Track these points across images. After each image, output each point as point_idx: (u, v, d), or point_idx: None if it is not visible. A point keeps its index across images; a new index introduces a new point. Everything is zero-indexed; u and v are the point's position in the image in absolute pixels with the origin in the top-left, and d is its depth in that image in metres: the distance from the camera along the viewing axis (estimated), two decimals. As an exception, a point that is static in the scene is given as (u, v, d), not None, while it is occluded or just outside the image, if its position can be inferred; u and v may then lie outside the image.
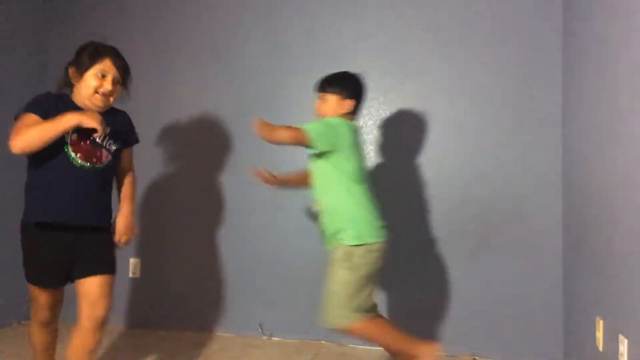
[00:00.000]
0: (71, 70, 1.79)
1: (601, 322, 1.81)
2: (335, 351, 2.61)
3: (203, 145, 2.91)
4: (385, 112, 2.70)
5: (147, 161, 2.94)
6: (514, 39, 2.54)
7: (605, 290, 1.79)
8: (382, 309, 2.63)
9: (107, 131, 1.75)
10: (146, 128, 2.94)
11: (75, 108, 1.74)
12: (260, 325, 2.78)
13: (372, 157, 2.70)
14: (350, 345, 2.65)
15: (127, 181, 1.97)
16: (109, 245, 1.87)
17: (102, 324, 1.78)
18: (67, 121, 1.64)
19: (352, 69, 2.72)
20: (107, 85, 1.77)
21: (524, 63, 2.53)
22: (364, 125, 2.72)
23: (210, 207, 2.88)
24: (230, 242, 2.85)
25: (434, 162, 2.62)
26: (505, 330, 2.49)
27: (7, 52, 2.87)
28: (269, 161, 2.80)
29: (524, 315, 2.47)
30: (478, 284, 2.54)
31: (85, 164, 1.75)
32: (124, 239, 1.89)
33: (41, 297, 1.82)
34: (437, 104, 2.64)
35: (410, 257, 2.62)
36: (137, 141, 1.99)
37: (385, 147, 2.70)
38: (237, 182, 2.84)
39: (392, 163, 2.69)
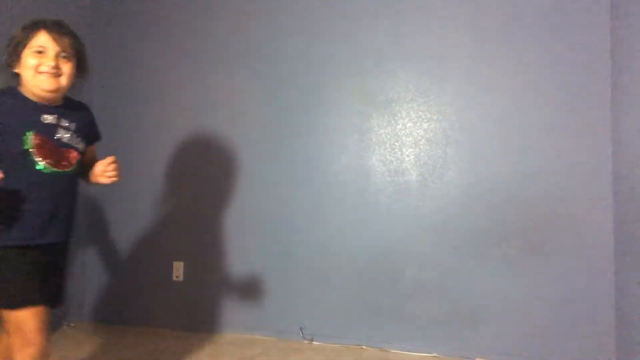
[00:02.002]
0: (9, 59, 1.52)
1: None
2: (377, 356, 2.58)
3: (243, 149, 2.94)
4: (424, 113, 2.67)
5: (190, 164, 3.01)
6: (558, 35, 2.46)
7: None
8: (430, 313, 2.59)
9: (71, 127, 1.58)
10: (186, 133, 3.01)
11: (25, 101, 1.51)
12: (300, 329, 2.78)
13: (412, 159, 2.67)
14: (393, 351, 2.62)
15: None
16: (65, 268, 1.69)
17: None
18: None
19: (389, 71, 2.73)
20: (49, 61, 1.49)
21: (569, 60, 2.44)
22: (404, 128, 2.69)
23: (251, 210, 2.91)
24: (271, 244, 2.87)
25: (476, 162, 2.56)
26: (555, 333, 2.40)
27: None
28: (309, 163, 2.81)
29: (574, 318, 2.38)
30: (525, 287, 2.46)
31: (55, 171, 1.53)
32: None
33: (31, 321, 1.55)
34: (477, 104, 2.58)
35: (454, 260, 2.57)
36: (99, 138, 1.77)
37: (425, 149, 2.66)
38: (276, 184, 2.86)
39: (432, 165, 2.64)
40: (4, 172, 1.39)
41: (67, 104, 1.61)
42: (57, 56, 1.50)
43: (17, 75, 1.52)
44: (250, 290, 2.90)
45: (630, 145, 2.10)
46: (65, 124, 1.58)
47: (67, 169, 1.56)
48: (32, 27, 1.49)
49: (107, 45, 3.20)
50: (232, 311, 2.92)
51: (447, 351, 2.55)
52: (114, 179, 1.66)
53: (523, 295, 2.46)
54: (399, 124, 2.71)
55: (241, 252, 2.92)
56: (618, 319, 2.27)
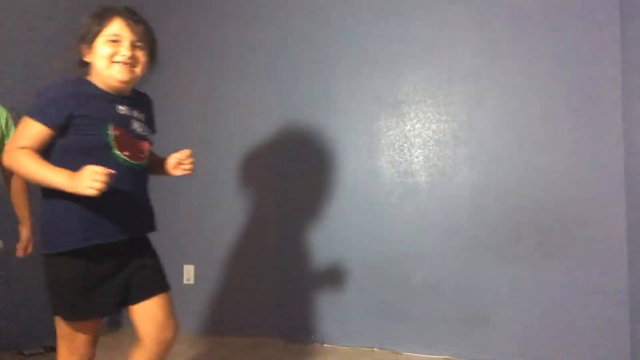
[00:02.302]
0: (80, 47, 1.44)
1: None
2: (388, 358, 2.57)
3: (253, 153, 2.95)
4: (433, 114, 2.65)
5: (200, 168, 3.02)
6: (567, 35, 2.43)
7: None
8: (441, 314, 2.58)
9: (141, 117, 1.52)
10: (196, 136, 3.03)
11: (100, 92, 1.43)
12: (312, 335, 2.78)
13: (421, 160, 2.66)
14: (404, 353, 2.61)
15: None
16: (157, 257, 1.62)
17: (171, 345, 1.57)
18: (56, 182, 1.31)
19: (398, 72, 2.72)
20: (124, 50, 1.41)
21: (580, 62, 2.41)
22: (412, 129, 2.68)
23: (263, 213, 2.91)
24: (282, 247, 2.88)
25: (486, 163, 2.54)
26: (567, 335, 2.38)
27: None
28: (318, 165, 2.81)
29: (587, 320, 2.35)
30: (537, 288, 2.44)
31: (135, 164, 1.47)
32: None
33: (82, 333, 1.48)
34: (487, 105, 2.56)
35: (465, 261, 2.56)
36: (155, 131, 1.68)
37: (434, 150, 2.64)
38: (286, 187, 2.87)
39: (442, 166, 2.63)
40: (76, 167, 1.31)
41: (134, 95, 1.54)
42: (132, 45, 1.42)
43: (86, 65, 1.45)
44: (261, 293, 2.90)
45: (642, 145, 2.08)
46: (137, 114, 1.51)
47: (142, 161, 1.49)
48: (105, 14, 1.42)
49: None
50: (244, 314, 2.93)
51: (458, 353, 2.54)
52: (188, 172, 1.62)
53: (535, 296, 2.44)
54: (407, 125, 2.70)
55: (252, 255, 2.93)
56: (632, 320, 2.25)
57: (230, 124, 2.99)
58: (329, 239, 2.79)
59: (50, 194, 1.37)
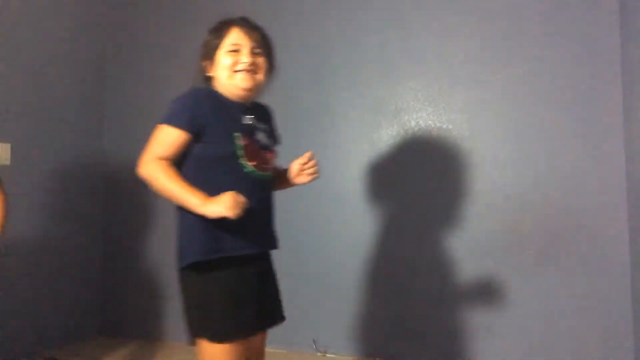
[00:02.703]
0: (203, 63, 1.48)
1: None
2: (390, 368, 2.55)
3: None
4: (434, 122, 2.66)
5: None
6: (569, 43, 2.44)
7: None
8: (444, 324, 2.56)
9: (264, 128, 1.51)
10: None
11: (226, 101, 1.44)
12: (314, 341, 2.76)
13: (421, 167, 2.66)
14: (406, 362, 2.59)
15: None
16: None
17: None
18: (189, 203, 1.31)
19: (398, 80, 2.72)
20: (244, 58, 1.42)
21: (580, 67, 2.42)
22: (413, 136, 2.68)
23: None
24: (283, 256, 2.86)
25: (488, 171, 2.54)
26: (571, 344, 2.36)
27: (65, 61, 3.03)
28: (320, 174, 2.81)
29: (591, 328, 2.33)
30: (541, 297, 2.42)
31: (261, 174, 1.44)
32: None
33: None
34: (488, 113, 2.56)
35: (468, 270, 2.54)
36: (279, 141, 1.65)
37: (434, 157, 2.64)
38: (287, 196, 2.85)
39: (442, 173, 2.63)
40: (208, 176, 1.36)
41: (256, 106, 1.53)
42: (251, 52, 1.43)
43: (209, 80, 1.48)
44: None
45: (644, 151, 2.07)
46: (261, 125, 1.50)
47: (268, 172, 1.47)
48: (223, 27, 1.45)
49: (116, 61, 3.24)
50: (245, 324, 2.90)
51: (462, 362, 2.51)
52: (314, 175, 1.59)
53: (539, 305, 2.42)
54: (408, 134, 2.70)
55: (253, 265, 2.91)
56: (636, 329, 2.23)
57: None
58: (331, 247, 2.77)
59: (185, 207, 1.35)
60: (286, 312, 2.77)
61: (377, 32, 2.75)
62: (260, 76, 1.45)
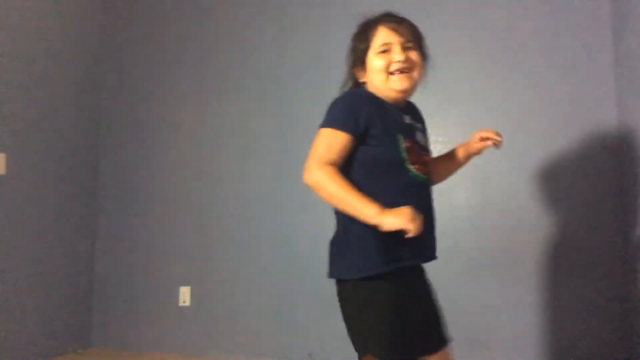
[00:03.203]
0: (354, 70, 1.41)
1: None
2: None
3: (248, 173, 2.95)
4: (430, 134, 2.66)
5: (195, 189, 3.01)
6: (560, 57, 2.47)
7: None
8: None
9: (420, 127, 1.42)
10: (186, 157, 3.03)
11: (386, 103, 1.36)
12: (309, 355, 2.74)
13: (418, 181, 2.66)
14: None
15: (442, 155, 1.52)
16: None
17: None
18: (362, 213, 1.22)
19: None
20: (397, 56, 1.31)
21: (573, 83, 2.45)
22: (410, 150, 2.69)
23: (257, 235, 2.89)
24: (279, 269, 2.85)
25: (485, 184, 2.55)
26: (569, 356, 2.36)
27: (60, 71, 3.03)
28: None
29: (589, 342, 2.33)
30: (537, 310, 2.42)
31: (423, 177, 1.34)
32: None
33: None
34: (484, 126, 2.57)
35: (463, 284, 2.54)
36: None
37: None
38: (282, 208, 2.86)
39: (440, 186, 2.63)
40: (378, 182, 1.28)
41: (408, 103, 1.43)
42: (403, 48, 1.32)
43: (362, 87, 1.41)
44: (258, 314, 2.86)
45: (635, 167, 2.09)
46: (418, 124, 1.42)
47: (427, 175, 1.36)
48: (368, 28, 1.36)
49: (111, 72, 3.24)
50: (240, 337, 2.88)
51: (458, 376, 2.49)
52: (497, 144, 1.47)
53: (535, 318, 2.41)
54: (405, 146, 2.71)
55: (249, 277, 2.90)
56: (628, 339, 2.23)
57: (231, 143, 2.99)
58: (324, 258, 2.76)
59: (375, 198, 1.25)
60: (281, 324, 2.79)
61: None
62: (415, 74, 1.35)
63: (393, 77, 1.32)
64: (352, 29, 2.79)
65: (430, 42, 2.67)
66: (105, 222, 3.17)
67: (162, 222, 3.06)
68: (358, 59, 1.37)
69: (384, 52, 1.32)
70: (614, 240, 2.33)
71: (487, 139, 1.49)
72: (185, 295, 2.99)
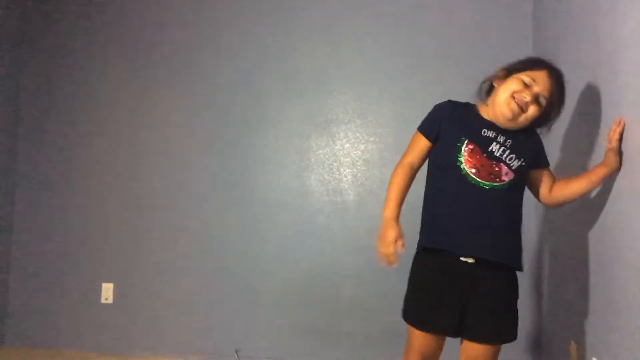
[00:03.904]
0: (499, 73, 1.56)
1: (575, 345, 1.82)
2: (313, 377, 2.56)
3: (181, 167, 2.88)
4: (362, 134, 2.73)
5: (123, 181, 2.90)
6: (487, 63, 2.59)
7: (579, 312, 1.80)
8: (367, 331, 2.60)
9: (506, 143, 1.50)
10: (121, 149, 2.91)
11: (472, 115, 1.55)
12: (236, 351, 2.72)
13: (349, 179, 2.71)
14: (328, 371, 2.61)
15: (563, 182, 1.56)
16: (512, 299, 1.51)
17: None
18: (383, 217, 1.52)
19: (329, 91, 2.77)
20: (527, 95, 1.46)
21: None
22: (342, 148, 2.73)
23: (187, 229, 2.83)
24: (207, 264, 2.81)
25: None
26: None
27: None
28: (248, 182, 2.79)
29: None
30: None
31: (481, 182, 1.46)
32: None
33: (418, 342, 1.53)
34: (413, 127, 2.65)
35: (390, 278, 2.61)
36: (546, 164, 1.59)
37: (362, 169, 2.71)
38: (214, 203, 2.81)
39: (369, 185, 2.69)
40: (438, 176, 1.55)
41: (518, 131, 1.53)
42: (536, 95, 1.47)
43: (489, 91, 1.59)
44: (183, 312, 2.81)
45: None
46: (503, 139, 1.51)
47: (494, 183, 1.46)
48: (538, 63, 1.51)
49: (42, 55, 3.05)
50: (166, 334, 2.81)
51: (382, 370, 2.57)
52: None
53: (454, 313, 2.53)
54: (337, 145, 2.75)
55: (175, 273, 2.83)
56: (536, 342, 2.39)
57: (157, 138, 2.90)
58: (256, 256, 2.76)
59: (427, 194, 1.60)
60: (208, 321, 2.75)
61: (309, 44, 2.79)
62: (527, 117, 1.48)
63: (511, 102, 1.47)
64: (284, 25, 2.81)
65: (365, 44, 2.74)
66: (23, 215, 2.98)
67: (84, 215, 2.92)
68: (511, 69, 1.53)
69: (526, 84, 1.47)
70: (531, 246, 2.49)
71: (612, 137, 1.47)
72: (107, 292, 2.87)
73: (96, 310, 2.87)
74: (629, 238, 1.36)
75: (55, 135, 2.99)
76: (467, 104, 1.61)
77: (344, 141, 2.74)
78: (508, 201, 1.50)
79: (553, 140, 2.07)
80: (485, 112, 1.56)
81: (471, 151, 1.48)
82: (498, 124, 1.52)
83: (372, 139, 2.72)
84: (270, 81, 2.82)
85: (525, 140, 1.54)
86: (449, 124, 1.54)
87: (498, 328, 1.49)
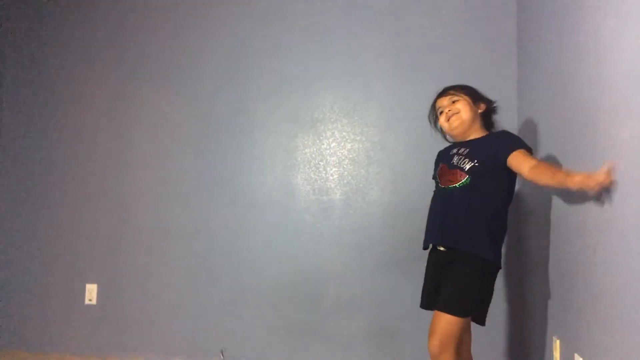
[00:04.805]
0: (432, 119, 2.08)
1: (558, 341, 1.84)
2: (299, 376, 2.55)
3: (168, 166, 2.85)
4: (348, 133, 2.73)
5: (108, 181, 2.87)
6: (470, 64, 2.62)
7: (562, 308, 1.82)
8: (351, 330, 2.60)
9: (464, 152, 1.86)
10: (107, 149, 2.88)
11: (452, 149, 1.95)
12: (221, 352, 2.70)
13: (336, 178, 2.71)
14: (315, 370, 2.61)
15: (538, 170, 1.66)
16: (464, 279, 1.76)
17: (433, 357, 1.73)
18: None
19: (315, 91, 2.77)
20: (445, 113, 1.93)
21: (480, 88, 2.59)
22: (328, 147, 2.73)
23: (173, 229, 2.81)
24: (193, 264, 2.79)
25: (397, 182, 2.64)
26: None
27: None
28: (235, 181, 2.78)
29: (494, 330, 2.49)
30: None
31: (443, 187, 1.88)
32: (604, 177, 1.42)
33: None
34: (398, 127, 2.68)
35: (375, 277, 2.61)
36: (514, 147, 1.76)
37: (348, 168, 2.71)
38: (201, 202, 2.80)
39: (355, 184, 2.70)
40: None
41: (476, 139, 1.92)
42: (447, 107, 1.94)
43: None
44: (168, 313, 2.78)
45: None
46: (461, 151, 1.88)
47: (449, 185, 1.85)
48: (435, 100, 2.01)
49: (22, 55, 3.01)
50: (150, 335, 2.78)
51: (368, 369, 2.57)
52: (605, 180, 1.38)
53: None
54: (323, 144, 2.75)
55: (159, 274, 2.81)
56: (520, 336, 2.41)
57: (144, 138, 2.88)
58: (242, 255, 2.74)
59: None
60: (193, 321, 2.73)
61: (297, 45, 2.79)
62: (457, 119, 1.91)
63: (445, 124, 1.95)
64: (270, 24, 2.80)
65: (351, 45, 2.74)
66: (4, 214, 2.93)
67: (67, 216, 2.88)
68: (435, 117, 2.04)
69: (441, 113, 1.97)
70: (512, 243, 2.51)
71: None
72: (91, 293, 2.84)
73: (80, 311, 2.83)
74: (612, 235, 1.38)
75: (38, 136, 2.95)
76: (447, 145, 2.06)
77: (330, 140, 2.74)
78: (465, 197, 1.80)
79: (543, 141, 2.09)
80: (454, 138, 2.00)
81: (441, 169, 1.93)
82: (460, 140, 1.95)
83: (358, 138, 2.72)
84: (257, 81, 2.81)
85: (483, 145, 1.87)
86: (438, 160, 2.04)
87: (445, 298, 1.76)
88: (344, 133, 2.74)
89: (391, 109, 2.69)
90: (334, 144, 2.74)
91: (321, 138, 2.75)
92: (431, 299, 1.86)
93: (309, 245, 2.69)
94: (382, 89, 2.70)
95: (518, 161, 1.74)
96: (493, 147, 1.83)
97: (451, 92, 1.94)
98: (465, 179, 1.80)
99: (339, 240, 2.67)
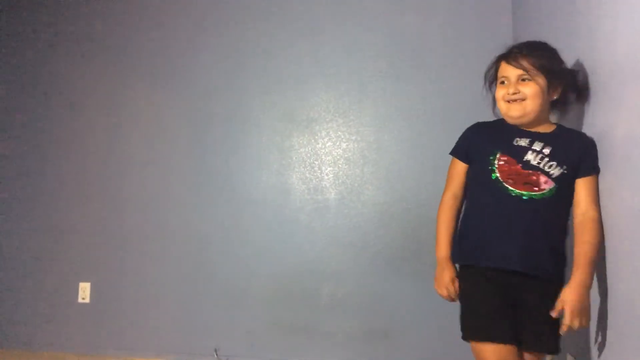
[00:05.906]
0: (486, 87, 1.62)
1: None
2: (293, 376, 2.56)
3: (163, 166, 2.84)
4: (344, 133, 2.73)
5: (102, 180, 2.86)
6: (466, 63, 2.62)
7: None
8: (346, 329, 2.61)
9: (544, 151, 1.44)
10: (100, 148, 2.87)
11: (507, 132, 1.50)
12: (215, 350, 2.70)
13: (331, 178, 2.71)
14: (309, 369, 2.61)
15: (583, 227, 1.38)
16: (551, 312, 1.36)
17: None
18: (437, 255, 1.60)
19: (310, 91, 2.77)
20: (510, 90, 1.46)
21: (474, 88, 2.60)
22: (323, 147, 2.73)
23: (168, 228, 2.80)
24: (187, 262, 2.78)
25: (391, 182, 2.65)
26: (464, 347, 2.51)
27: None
28: (230, 180, 2.77)
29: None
30: (435, 300, 2.55)
31: (519, 193, 1.42)
32: (569, 321, 1.30)
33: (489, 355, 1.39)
34: (393, 127, 2.68)
35: (370, 276, 2.62)
36: (594, 170, 1.42)
37: (343, 168, 2.71)
38: (196, 201, 2.79)
39: (350, 184, 2.70)
40: (475, 189, 1.55)
41: (556, 131, 1.50)
42: (518, 80, 1.47)
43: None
44: (162, 311, 2.77)
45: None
46: (539, 147, 1.46)
47: (532, 192, 1.41)
48: (498, 60, 1.55)
49: (14, 55, 2.99)
50: (144, 334, 2.77)
51: (362, 368, 2.58)
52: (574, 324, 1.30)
53: (434, 308, 2.55)
54: (318, 143, 2.75)
55: (154, 271, 2.80)
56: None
57: (138, 136, 2.87)
58: (237, 254, 2.74)
59: (467, 208, 1.59)
60: (186, 320, 2.72)
61: (292, 44, 2.79)
62: (528, 104, 1.45)
63: (503, 104, 1.50)
64: (265, 24, 2.80)
65: (345, 44, 2.74)
66: (-5, 213, 2.92)
67: (60, 214, 2.87)
68: (490, 84, 1.61)
69: (502, 83, 1.51)
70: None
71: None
72: (84, 291, 2.83)
73: (73, 310, 2.82)
74: (625, 244, 1.30)
75: (30, 135, 2.93)
76: (495, 121, 1.59)
77: (325, 140, 2.74)
78: (552, 212, 1.43)
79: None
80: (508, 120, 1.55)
81: (505, 162, 1.46)
82: (525, 127, 1.50)
83: (353, 137, 2.72)
84: (252, 80, 2.80)
85: (569, 145, 1.46)
86: (479, 141, 1.56)
87: (547, 338, 1.43)
88: (339, 132, 2.74)
89: (386, 108, 2.69)
90: (329, 144, 2.74)
91: (316, 137, 2.75)
92: (510, 329, 1.40)
93: (303, 245, 2.69)
94: (377, 88, 2.71)
95: (586, 193, 1.41)
96: (581, 155, 1.44)
97: (524, 62, 1.45)
98: (551, 187, 1.41)
99: (334, 239, 2.67)
